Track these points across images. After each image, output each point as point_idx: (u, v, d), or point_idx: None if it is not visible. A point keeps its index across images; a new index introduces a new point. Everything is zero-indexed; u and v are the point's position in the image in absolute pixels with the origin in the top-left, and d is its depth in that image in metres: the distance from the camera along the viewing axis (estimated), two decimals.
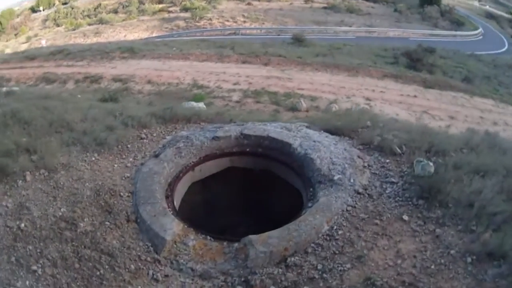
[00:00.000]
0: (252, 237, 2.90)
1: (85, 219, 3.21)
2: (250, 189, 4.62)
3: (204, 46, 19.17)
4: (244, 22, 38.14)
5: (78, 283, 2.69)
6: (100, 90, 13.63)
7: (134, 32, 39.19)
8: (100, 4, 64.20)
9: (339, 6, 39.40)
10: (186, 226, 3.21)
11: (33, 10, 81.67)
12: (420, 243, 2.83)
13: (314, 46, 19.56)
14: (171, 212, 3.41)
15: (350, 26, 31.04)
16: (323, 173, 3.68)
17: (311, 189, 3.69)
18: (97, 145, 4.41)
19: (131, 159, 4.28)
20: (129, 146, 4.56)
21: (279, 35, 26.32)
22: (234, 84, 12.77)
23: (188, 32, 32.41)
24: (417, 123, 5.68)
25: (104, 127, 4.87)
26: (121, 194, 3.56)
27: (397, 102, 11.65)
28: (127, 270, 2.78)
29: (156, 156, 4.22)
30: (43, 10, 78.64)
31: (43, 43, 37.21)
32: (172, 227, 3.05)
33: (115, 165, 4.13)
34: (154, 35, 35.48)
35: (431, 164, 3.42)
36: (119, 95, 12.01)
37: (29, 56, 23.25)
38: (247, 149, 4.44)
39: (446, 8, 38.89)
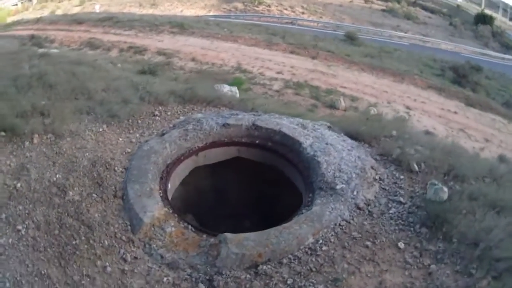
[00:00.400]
0: (228, 235, 2.90)
1: (75, 188, 3.41)
2: (255, 182, 4.64)
3: (255, 31, 19.79)
4: (303, 13, 38.98)
5: (53, 249, 2.88)
6: (142, 61, 14.38)
7: (191, 8, 40.56)
8: None
9: (397, 11, 40.49)
10: (170, 211, 3.29)
11: None
12: (409, 277, 2.65)
13: (365, 46, 19.71)
14: (160, 194, 3.50)
15: (405, 32, 31.63)
16: (326, 180, 3.56)
17: (310, 195, 3.59)
18: (109, 116, 4.63)
19: (137, 135, 4.45)
20: (139, 121, 4.74)
21: (335, 30, 27.02)
22: (278, 73, 13.04)
23: (245, 16, 33.72)
24: (446, 140, 5.31)
25: (120, 99, 5.10)
26: (116, 169, 3.72)
27: (437, 115, 11.82)
28: (100, 245, 2.92)
29: (162, 135, 4.34)
30: None
31: (97, 8, 39.41)
32: (153, 210, 3.14)
33: (120, 139, 4.31)
34: (211, 13, 36.80)
35: (445, 189, 3.16)
36: (159, 69, 12.72)
37: (77, 20, 24.89)
38: (257, 141, 4.42)
39: (498, 30, 39.44)
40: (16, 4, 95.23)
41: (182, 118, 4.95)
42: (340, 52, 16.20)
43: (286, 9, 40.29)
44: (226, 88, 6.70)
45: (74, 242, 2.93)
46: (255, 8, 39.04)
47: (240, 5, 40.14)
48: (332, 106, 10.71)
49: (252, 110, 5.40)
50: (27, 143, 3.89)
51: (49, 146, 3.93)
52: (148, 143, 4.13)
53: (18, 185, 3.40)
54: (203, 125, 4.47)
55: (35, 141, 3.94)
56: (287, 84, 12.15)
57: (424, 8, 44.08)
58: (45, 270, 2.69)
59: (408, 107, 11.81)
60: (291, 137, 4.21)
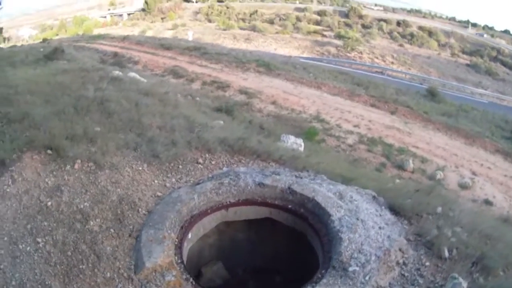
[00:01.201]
0: None
1: (97, 219, 4.61)
2: (282, 245, 5.52)
3: (340, 79, 23.23)
4: (392, 63, 47.67)
5: (62, 267, 4.01)
6: (222, 98, 17.29)
7: (285, 47, 49.67)
8: (256, 11, 78.51)
9: (480, 66, 50.85)
10: (178, 261, 4.24)
11: None
12: None
13: (445, 103, 23.30)
14: (175, 242, 4.49)
15: (486, 89, 38.37)
16: (341, 259, 4.17)
17: (322, 271, 4.22)
18: (152, 156, 5.96)
19: (174, 180, 5.65)
20: (181, 166, 5.97)
21: (421, 83, 33.16)
22: (354, 126, 15.57)
23: (337, 61, 40.18)
24: (495, 217, 5.99)
25: (170, 140, 6.47)
26: (140, 210, 4.87)
27: (499, 182, 13.44)
28: (103, 275, 3.97)
29: (195, 184, 5.46)
30: (196, 2, 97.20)
31: (190, 35, 45.62)
32: (157, 257, 4.11)
33: (155, 181, 5.54)
34: (303, 55, 44.09)
35: (464, 286, 3.55)
36: (236, 109, 14.78)
37: (165, 45, 29.72)
38: (289, 206, 5.27)
39: None
40: (105, 17, 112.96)
41: (224, 169, 6.06)
42: (419, 108, 19.04)
43: (377, 58, 48.91)
44: (291, 140, 7.96)
45: (81, 266, 4.03)
46: (347, 54, 47.57)
47: (333, 49, 49.36)
48: (400, 166, 12.69)
49: (303, 169, 6.27)
50: (68, 167, 5.34)
51: (87, 174, 5.30)
52: (178, 190, 5.26)
53: (49, 203, 4.73)
54: (239, 180, 5.49)
55: (76, 166, 5.37)
56: (361, 139, 14.48)
57: (504, 64, 54.30)
58: (49, 282, 3.81)
59: (474, 173, 13.83)
60: (323, 207, 4.96)
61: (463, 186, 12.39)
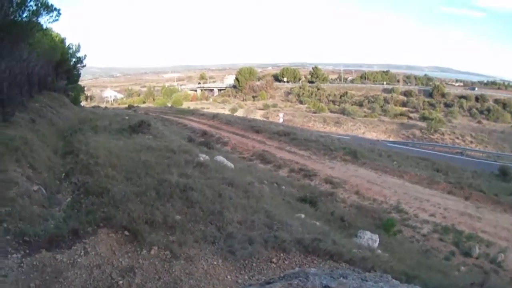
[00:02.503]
0: None
1: None
2: None
3: (422, 166, 24.39)
4: (471, 142, 52.37)
5: None
6: (307, 187, 17.73)
7: (373, 131, 53.11)
8: (346, 93, 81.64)
9: None
10: None
11: (276, 78, 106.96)
12: None
13: None
14: None
15: None
16: None
17: None
18: (229, 251, 5.93)
19: (246, 277, 5.52)
20: (254, 264, 5.85)
21: (495, 161, 34.62)
22: (430, 215, 15.72)
23: (421, 144, 43.13)
24: None
25: (247, 238, 6.39)
26: None
27: None
28: None
29: (265, 284, 5.25)
30: (287, 82, 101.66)
31: (281, 117, 47.47)
32: None
33: (228, 277, 5.45)
34: (390, 139, 47.22)
35: None
36: (320, 199, 14.72)
37: (255, 127, 30.91)
38: None
39: None
40: (195, 90, 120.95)
41: (296, 269, 5.80)
42: (490, 191, 18.87)
43: (457, 138, 53.44)
44: (367, 235, 8.20)
45: None
46: (430, 136, 51.57)
47: (417, 132, 52.94)
48: (467, 253, 12.85)
49: (372, 268, 6.08)
50: (144, 251, 5.45)
51: (162, 262, 5.35)
52: None
53: (121, 282, 4.80)
54: (308, 282, 5.12)
55: (152, 252, 5.46)
56: (435, 228, 14.63)
57: None
58: None
59: None
60: None
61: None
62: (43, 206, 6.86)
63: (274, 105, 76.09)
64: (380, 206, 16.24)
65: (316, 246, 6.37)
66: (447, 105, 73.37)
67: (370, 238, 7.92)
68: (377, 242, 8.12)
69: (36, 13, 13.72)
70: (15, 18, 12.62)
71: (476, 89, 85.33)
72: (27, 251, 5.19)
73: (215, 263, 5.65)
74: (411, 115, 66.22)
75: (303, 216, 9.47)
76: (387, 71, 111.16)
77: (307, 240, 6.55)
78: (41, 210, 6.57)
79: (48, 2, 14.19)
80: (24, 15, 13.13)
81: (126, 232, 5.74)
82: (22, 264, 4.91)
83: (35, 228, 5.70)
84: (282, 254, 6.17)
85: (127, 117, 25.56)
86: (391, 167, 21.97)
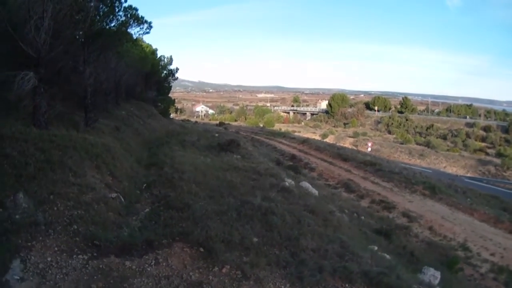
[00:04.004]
0: None
1: None
2: None
3: (492, 204, 24.42)
4: None
5: None
6: (385, 220, 17.96)
7: (453, 166, 53.90)
8: (432, 125, 79.94)
9: None
10: None
11: (368, 106, 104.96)
12: None
13: None
14: None
15: None
16: None
17: None
18: (298, 278, 6.03)
19: None
20: None
21: None
22: (491, 254, 15.78)
23: (494, 181, 44.21)
24: None
25: (318, 266, 6.43)
26: None
27: None
28: None
29: None
30: (378, 111, 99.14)
31: (369, 145, 47.06)
32: None
33: None
34: (467, 174, 48.40)
35: None
36: (395, 233, 14.75)
37: (342, 155, 30.96)
38: None
39: None
40: (288, 113, 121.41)
41: None
42: None
43: None
44: (430, 272, 8.24)
45: None
46: (503, 173, 51.96)
47: (492, 169, 53.59)
48: None
49: None
50: (216, 269, 5.75)
51: (232, 281, 5.61)
52: None
53: None
54: None
55: (224, 270, 5.74)
56: (492, 268, 14.74)
57: None
58: None
59: None
60: None
61: None
62: (119, 213, 7.35)
63: (364, 133, 76.77)
64: (449, 243, 16.63)
65: (381, 280, 6.35)
66: None
67: (432, 275, 8.05)
68: (438, 279, 8.17)
69: (125, 24, 14.17)
70: (103, 27, 13.12)
71: None
72: (95, 254, 5.58)
73: (282, 287, 5.82)
74: (488, 150, 65.82)
75: (375, 248, 9.42)
76: (471, 105, 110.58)
77: (373, 272, 6.55)
78: (116, 217, 7.06)
79: (138, 14, 14.55)
80: (112, 24, 13.63)
81: (201, 249, 6.04)
82: (87, 266, 5.27)
83: (107, 233, 6.12)
84: (347, 285, 6.19)
85: (217, 134, 26.50)
86: (464, 203, 22.00)
